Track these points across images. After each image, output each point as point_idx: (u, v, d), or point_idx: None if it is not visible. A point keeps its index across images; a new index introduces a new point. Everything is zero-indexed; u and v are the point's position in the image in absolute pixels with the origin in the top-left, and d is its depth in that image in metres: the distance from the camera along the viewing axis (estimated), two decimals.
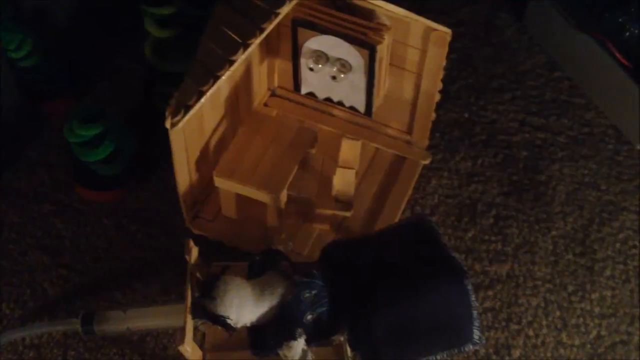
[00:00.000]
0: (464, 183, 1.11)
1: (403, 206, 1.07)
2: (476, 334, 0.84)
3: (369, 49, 0.94)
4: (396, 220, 1.05)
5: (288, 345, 0.82)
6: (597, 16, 1.15)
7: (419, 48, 0.98)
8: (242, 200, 1.02)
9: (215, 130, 1.02)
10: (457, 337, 0.84)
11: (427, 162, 1.11)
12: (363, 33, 0.94)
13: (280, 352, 0.82)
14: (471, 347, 0.85)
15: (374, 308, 0.83)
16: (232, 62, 0.84)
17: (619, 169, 1.13)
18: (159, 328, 0.94)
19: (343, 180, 0.98)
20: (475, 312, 0.84)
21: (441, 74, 1.00)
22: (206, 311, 0.81)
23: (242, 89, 1.07)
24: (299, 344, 0.82)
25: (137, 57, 1.18)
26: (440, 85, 1.02)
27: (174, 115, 0.84)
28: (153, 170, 1.12)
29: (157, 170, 1.12)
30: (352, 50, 0.96)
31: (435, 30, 0.95)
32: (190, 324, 0.83)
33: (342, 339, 0.86)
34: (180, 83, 0.85)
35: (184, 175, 0.98)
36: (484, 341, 0.85)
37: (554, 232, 1.07)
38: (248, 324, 0.83)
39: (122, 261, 1.04)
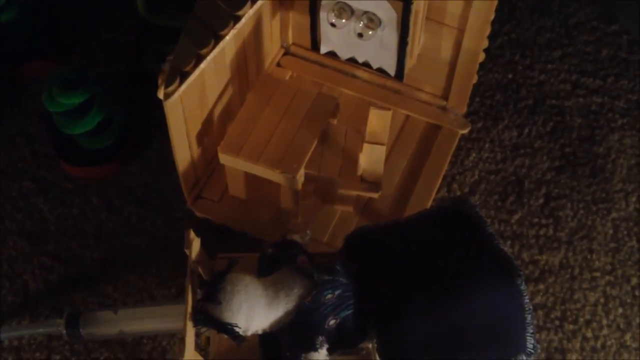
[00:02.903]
0: (508, 156, 1.01)
1: (438, 184, 0.97)
2: (530, 342, 0.76)
3: (404, 0, 0.80)
4: (430, 200, 0.95)
5: (307, 358, 0.74)
6: None
7: None
8: (252, 178, 0.91)
9: (219, 97, 0.90)
10: (507, 347, 0.76)
11: (465, 131, 1.01)
12: None
13: None
14: (524, 357, 0.76)
15: (408, 312, 0.75)
16: (237, 19, 0.72)
17: None
18: (155, 331, 0.84)
19: (371, 158, 0.86)
20: (529, 317, 0.76)
21: (488, 30, 0.90)
22: (210, 318, 0.73)
23: (251, 48, 0.94)
24: (320, 355, 0.74)
25: (127, 11, 1.07)
26: (485, 43, 0.91)
27: (167, 83, 0.72)
28: (147, 142, 1.01)
29: (152, 141, 1.02)
30: (382, 3, 0.85)
31: None
32: (191, 333, 0.74)
33: (369, 346, 0.77)
34: (176, 44, 0.72)
35: (184, 151, 0.87)
36: (539, 350, 0.77)
37: (614, 214, 0.97)
38: (259, 332, 0.75)
39: (114, 248, 0.95)
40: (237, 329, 0.73)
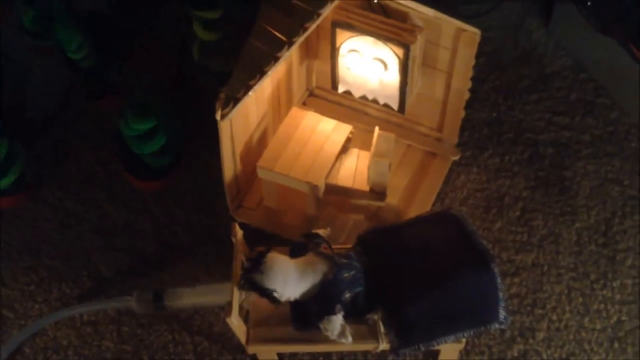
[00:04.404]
0: (492, 178, 1.15)
1: (433, 198, 1.12)
2: (502, 314, 0.89)
3: (404, 48, 0.99)
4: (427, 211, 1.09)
5: (329, 320, 0.88)
6: (619, 18, 1.17)
7: (450, 48, 1.04)
8: (283, 191, 1.08)
9: (258, 124, 1.08)
10: (484, 317, 0.90)
11: (456, 158, 1.16)
12: (398, 34, 1.00)
13: (321, 326, 0.88)
14: (497, 326, 0.89)
15: (407, 295, 0.89)
16: (277, 59, 0.90)
17: None
18: (217, 304, 1.00)
19: (377, 171, 1.03)
20: (501, 294, 0.89)
21: (471, 73, 1.05)
22: (254, 284, 0.86)
23: (283, 88, 1.13)
24: (338, 319, 0.88)
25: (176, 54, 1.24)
26: (469, 84, 1.07)
27: (224, 107, 0.90)
28: (195, 159, 1.17)
29: (198, 158, 1.18)
30: (387, 50, 1.02)
31: (465, 31, 1.01)
32: (237, 298, 0.89)
33: (375, 317, 0.92)
34: (228, 79, 0.92)
35: (230, 165, 1.04)
36: (509, 321, 0.90)
37: (577, 224, 1.11)
38: (291, 299, 0.88)
39: (169, 244, 1.11)
40: (275, 294, 0.85)
